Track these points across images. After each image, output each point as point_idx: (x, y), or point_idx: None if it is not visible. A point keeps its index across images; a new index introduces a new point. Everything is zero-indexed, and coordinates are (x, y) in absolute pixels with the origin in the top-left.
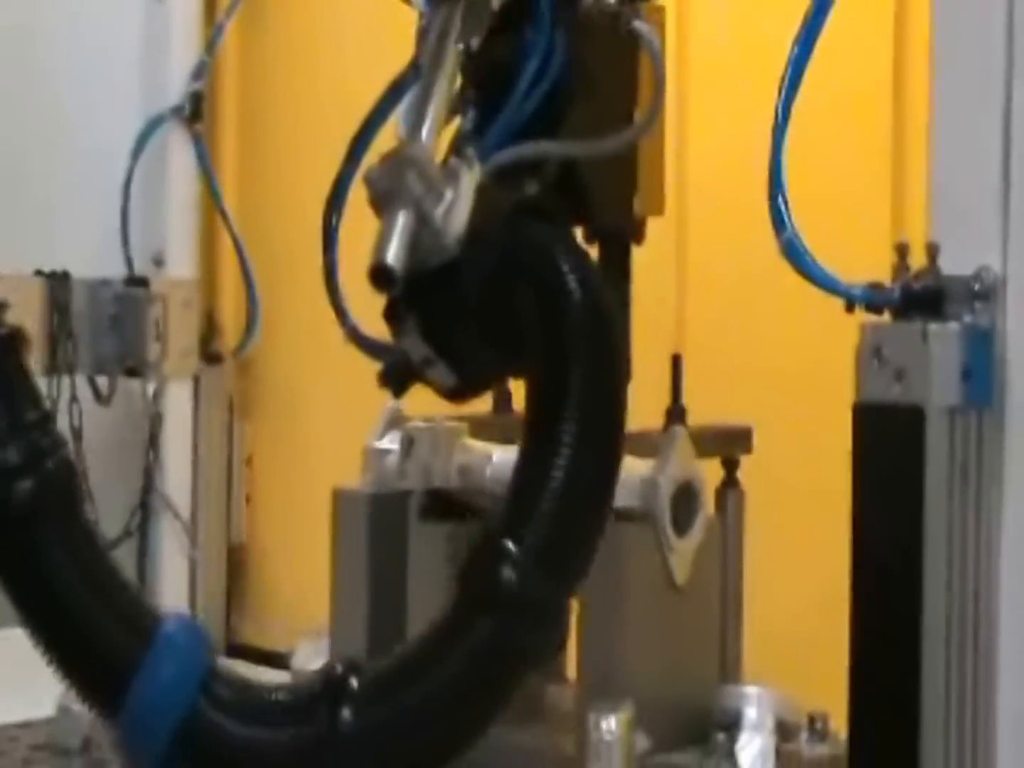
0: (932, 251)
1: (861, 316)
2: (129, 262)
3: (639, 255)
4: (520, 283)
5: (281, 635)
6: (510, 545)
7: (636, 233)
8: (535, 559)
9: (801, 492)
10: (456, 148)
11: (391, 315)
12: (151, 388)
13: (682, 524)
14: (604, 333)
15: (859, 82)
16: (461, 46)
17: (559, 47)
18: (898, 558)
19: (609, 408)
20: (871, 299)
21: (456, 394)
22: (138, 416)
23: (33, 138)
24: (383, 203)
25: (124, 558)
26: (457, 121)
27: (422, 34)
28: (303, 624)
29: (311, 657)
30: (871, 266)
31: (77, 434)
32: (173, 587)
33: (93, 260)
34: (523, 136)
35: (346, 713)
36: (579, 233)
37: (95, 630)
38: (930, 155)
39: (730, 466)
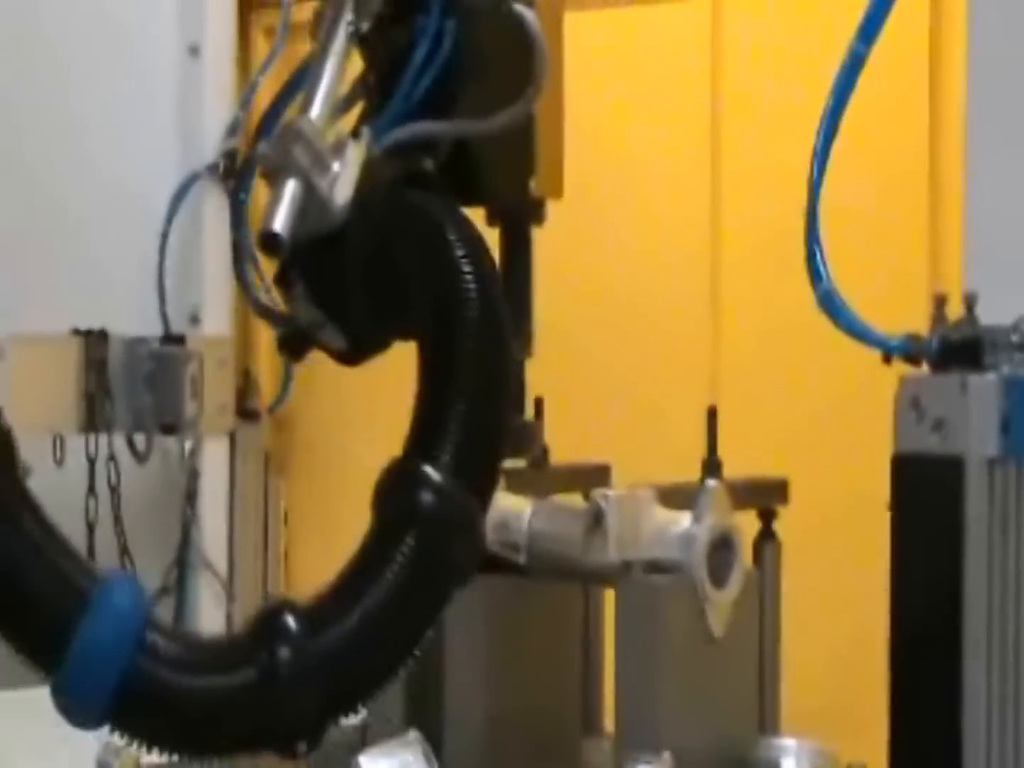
0: (969, 301)
1: (898, 367)
2: (165, 320)
3: (675, 309)
4: (404, 248)
5: None
6: (424, 465)
7: (535, 214)
8: (450, 474)
9: (838, 543)
10: (353, 129)
11: (282, 281)
12: (188, 445)
13: (719, 577)
14: (486, 290)
15: (894, 132)
16: (352, 30)
17: (449, 31)
18: (938, 610)
19: (496, 353)
20: (909, 350)
21: (348, 358)
22: (175, 473)
23: (70, 197)
24: (272, 175)
25: (163, 613)
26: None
27: (318, 19)
28: None
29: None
30: (905, 315)
31: (115, 491)
32: None
33: (130, 318)
34: (419, 117)
35: (284, 652)
36: (481, 214)
37: (33, 590)
38: (966, 205)
39: (766, 518)
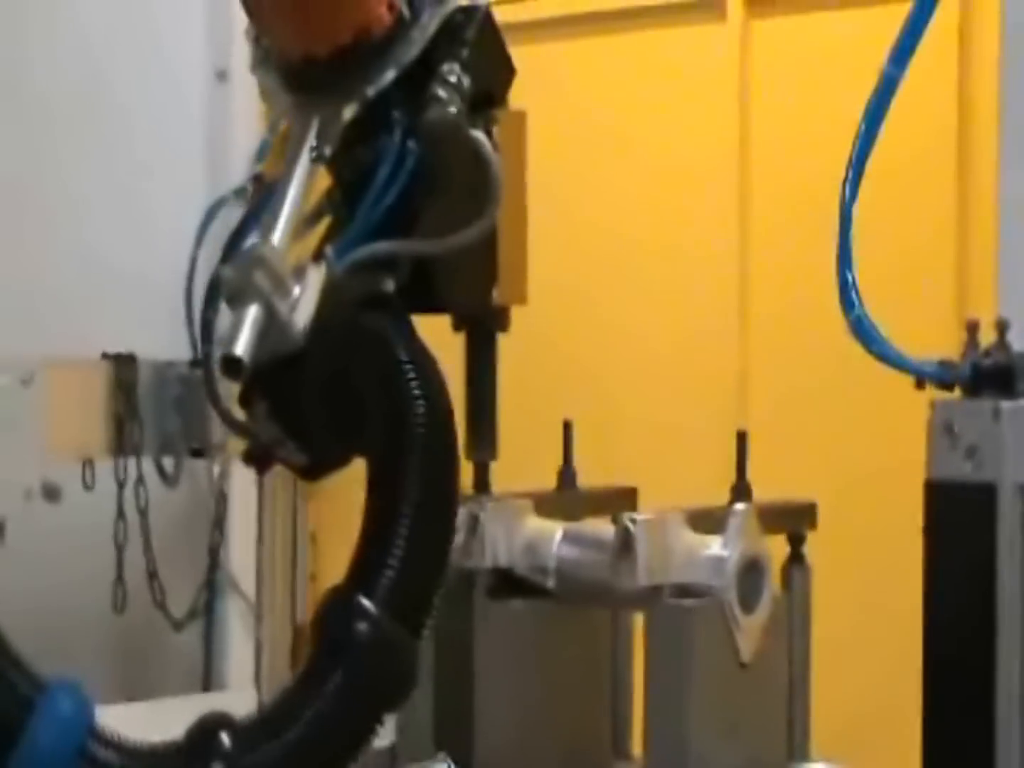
0: (1002, 327)
1: (930, 393)
2: (194, 343)
3: (703, 332)
4: (358, 370)
5: None
6: (361, 596)
7: (498, 320)
8: (385, 606)
9: (868, 568)
10: (317, 248)
11: (244, 401)
12: (216, 469)
13: (748, 601)
14: (435, 415)
15: (923, 156)
16: (315, 155)
17: (412, 152)
18: (970, 634)
19: (443, 482)
20: (942, 376)
21: (308, 473)
22: (203, 496)
23: (99, 221)
24: (234, 299)
25: (192, 636)
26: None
27: (284, 140)
28: None
29: (380, 735)
30: (932, 341)
31: (144, 515)
32: (239, 665)
33: (158, 342)
34: (383, 235)
35: None
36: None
37: None
38: (999, 231)
39: (795, 542)
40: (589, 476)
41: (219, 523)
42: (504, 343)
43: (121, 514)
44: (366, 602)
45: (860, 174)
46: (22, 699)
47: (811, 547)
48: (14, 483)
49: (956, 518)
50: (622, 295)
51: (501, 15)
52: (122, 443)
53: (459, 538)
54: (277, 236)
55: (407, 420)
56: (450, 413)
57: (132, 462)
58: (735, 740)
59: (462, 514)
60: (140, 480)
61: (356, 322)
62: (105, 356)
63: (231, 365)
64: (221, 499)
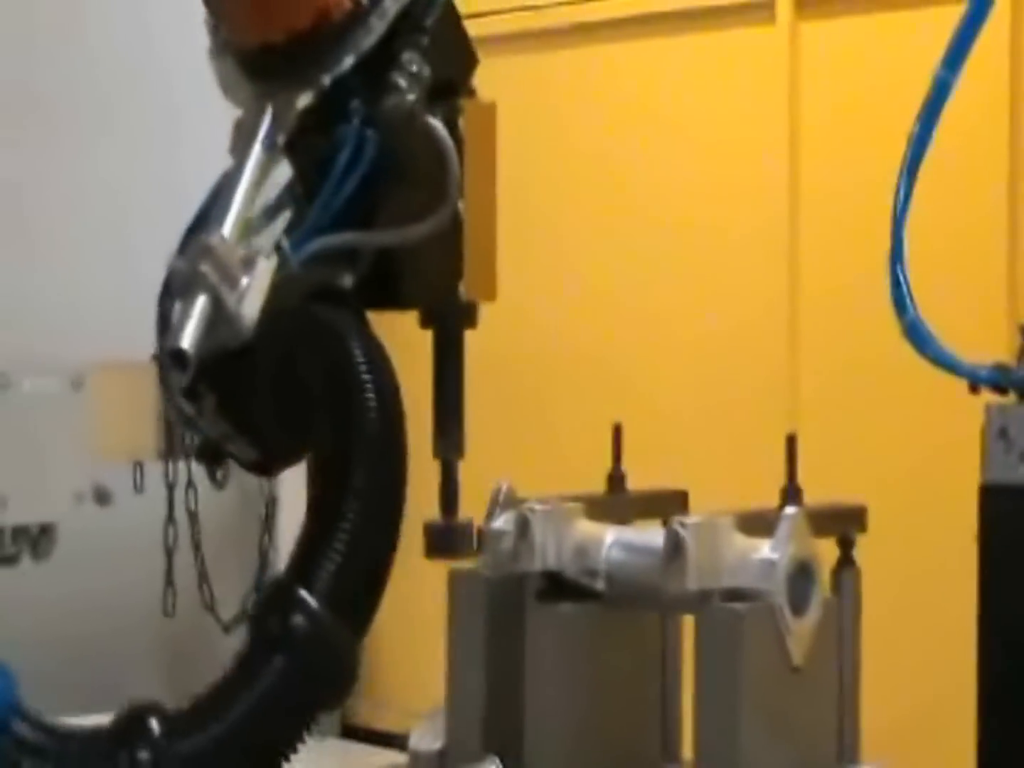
0: None
1: (985, 397)
2: None
3: (752, 332)
4: (307, 362)
5: (396, 716)
6: (301, 589)
7: (466, 317)
8: (325, 600)
9: (919, 571)
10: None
11: (190, 395)
12: None
13: (799, 605)
14: (384, 409)
15: (975, 158)
16: (268, 143)
17: (371, 141)
18: None
19: (389, 477)
20: (996, 380)
21: (260, 468)
22: (253, 499)
23: (142, 221)
24: (182, 291)
25: (240, 639)
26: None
27: (237, 131)
28: (419, 705)
29: (428, 739)
30: (985, 344)
31: (194, 517)
32: None
33: None
34: (342, 227)
35: (144, 754)
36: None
37: None
38: None
39: (845, 545)
40: (639, 479)
41: (268, 526)
42: (553, 346)
43: (171, 517)
44: (305, 595)
45: (913, 179)
46: None
47: (861, 550)
48: (65, 487)
49: (1011, 522)
50: (673, 298)
51: (551, 19)
52: (172, 446)
53: (509, 541)
54: (227, 227)
55: (355, 413)
56: (400, 408)
57: (182, 465)
58: (785, 743)
59: (513, 517)
60: (190, 483)
61: (307, 314)
62: (155, 359)
63: (177, 357)
64: (271, 502)
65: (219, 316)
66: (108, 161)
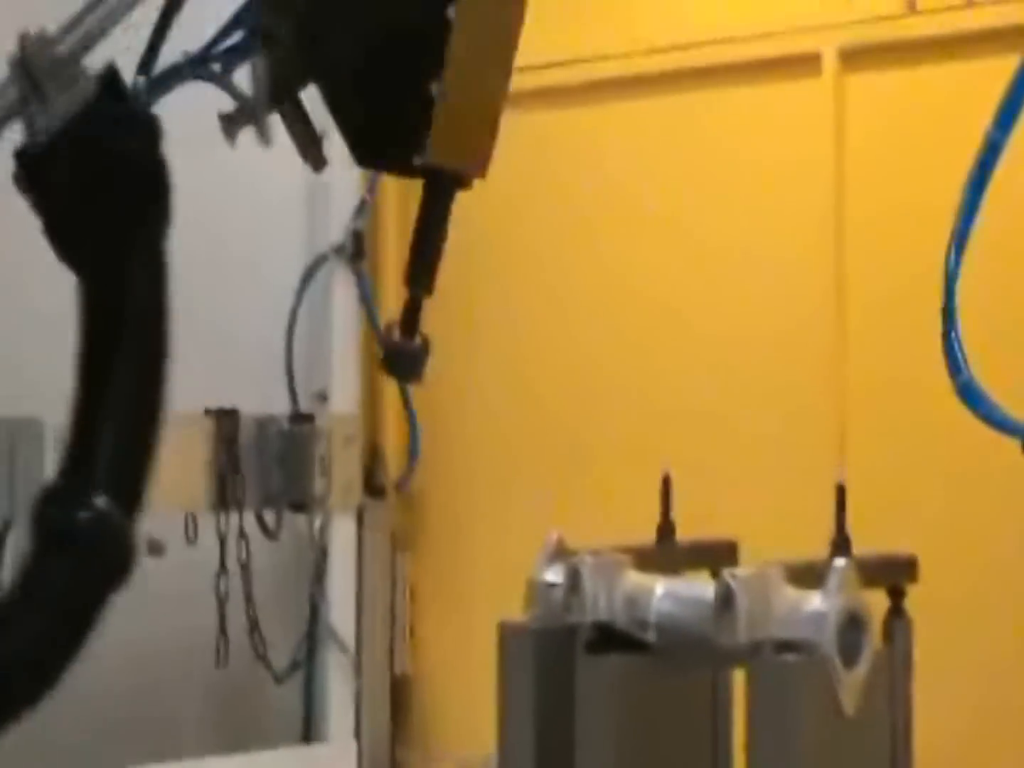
0: None
1: None
2: (294, 397)
3: (802, 384)
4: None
5: (446, 765)
6: (79, 486)
7: (461, 181)
8: (103, 493)
9: (970, 621)
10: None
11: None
12: (317, 522)
13: (849, 656)
14: (152, 297)
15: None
16: None
17: None
18: None
19: (153, 368)
20: None
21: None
22: (304, 550)
23: (201, 277)
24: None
25: (292, 688)
26: None
27: None
28: (468, 754)
29: None
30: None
31: (245, 568)
32: (339, 717)
33: (259, 396)
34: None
35: None
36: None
37: None
38: None
39: (896, 595)
40: (688, 527)
41: (319, 576)
42: (600, 395)
43: (223, 567)
44: (84, 490)
45: (964, 242)
46: None
47: (913, 601)
48: None
49: None
50: (722, 348)
51: (597, 72)
52: (224, 497)
53: (559, 593)
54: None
55: (122, 302)
56: (166, 299)
57: (234, 516)
58: None
59: (564, 569)
60: (242, 534)
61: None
62: (207, 411)
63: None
64: (321, 553)
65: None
66: None
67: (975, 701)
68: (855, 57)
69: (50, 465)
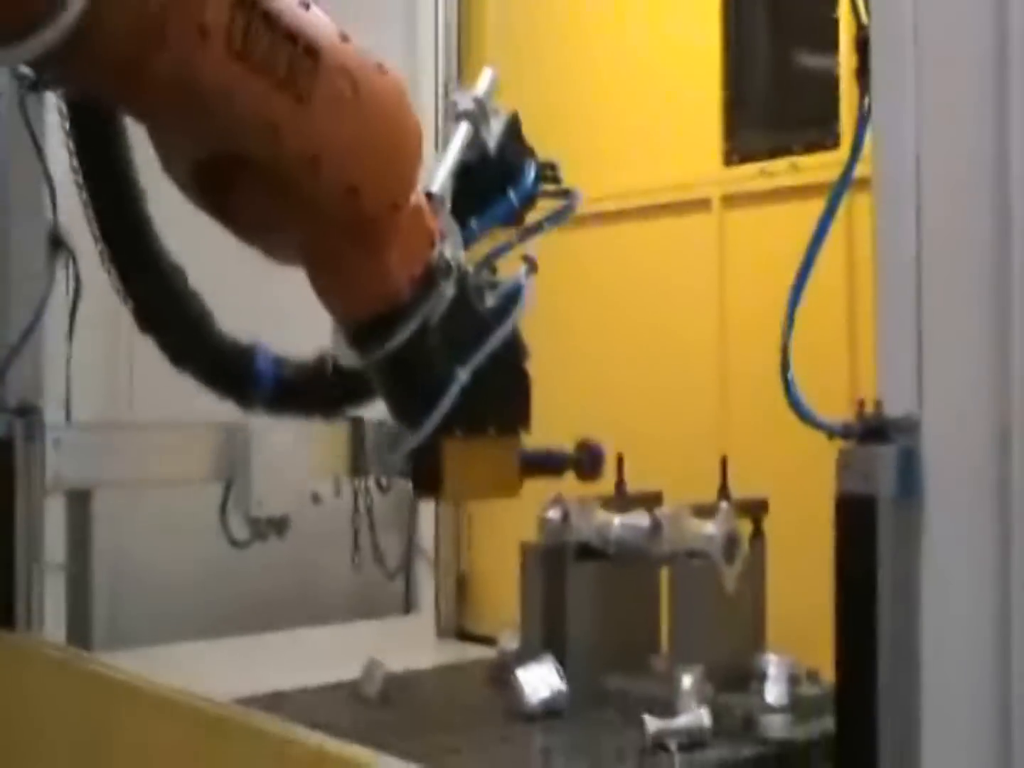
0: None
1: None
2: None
3: (695, 403)
4: None
5: (491, 626)
6: None
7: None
8: None
9: (802, 539)
10: None
11: None
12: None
13: (730, 558)
14: None
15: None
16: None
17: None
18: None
19: None
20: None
21: None
22: (405, 499)
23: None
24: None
25: (398, 583)
26: None
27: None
28: (505, 618)
29: (510, 641)
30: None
31: (369, 510)
32: (425, 599)
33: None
34: None
35: None
36: None
37: None
38: (878, 338)
39: (757, 523)
40: (634, 483)
41: (412, 514)
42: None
43: (356, 509)
44: None
45: (794, 312)
46: None
47: (768, 525)
48: (294, 492)
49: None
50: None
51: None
52: (356, 468)
53: (557, 524)
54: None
55: None
56: None
57: (361, 481)
58: (722, 640)
59: (560, 509)
60: (366, 490)
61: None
62: (346, 419)
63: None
64: (413, 502)
65: None
66: None
67: (809, 586)
68: (733, 199)
69: None
